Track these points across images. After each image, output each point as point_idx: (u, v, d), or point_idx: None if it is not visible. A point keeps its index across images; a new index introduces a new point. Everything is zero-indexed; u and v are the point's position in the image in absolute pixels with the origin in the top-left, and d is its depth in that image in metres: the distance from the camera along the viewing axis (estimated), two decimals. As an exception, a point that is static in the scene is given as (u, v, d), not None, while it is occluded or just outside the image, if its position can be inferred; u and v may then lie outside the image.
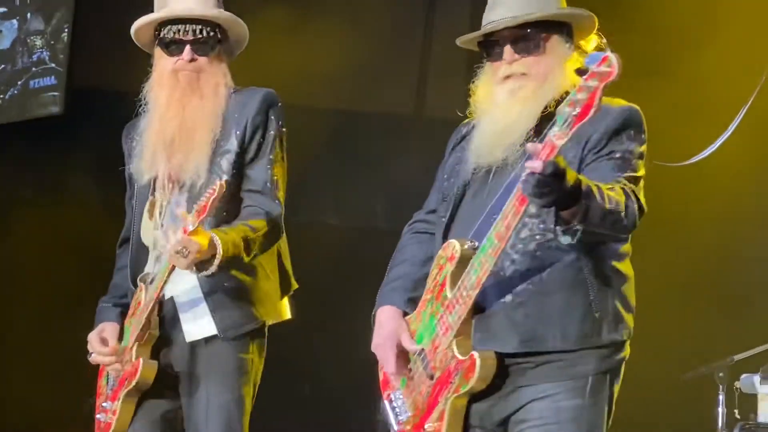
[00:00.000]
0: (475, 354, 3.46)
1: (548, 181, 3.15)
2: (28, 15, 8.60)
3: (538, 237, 3.49)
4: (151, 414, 4.32)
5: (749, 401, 5.74)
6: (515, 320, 3.47)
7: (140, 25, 4.36)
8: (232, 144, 4.26)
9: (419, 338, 3.62)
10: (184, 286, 4.26)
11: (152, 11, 4.37)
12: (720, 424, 5.77)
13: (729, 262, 6.51)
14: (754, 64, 6.63)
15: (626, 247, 3.60)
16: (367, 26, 6.87)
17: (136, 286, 4.34)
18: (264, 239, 4.20)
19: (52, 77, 8.37)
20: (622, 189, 3.38)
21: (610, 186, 3.35)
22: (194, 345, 4.26)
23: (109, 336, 4.31)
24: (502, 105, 3.61)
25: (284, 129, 4.36)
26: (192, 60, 4.27)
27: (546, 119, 3.50)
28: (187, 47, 4.27)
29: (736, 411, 5.76)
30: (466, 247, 3.53)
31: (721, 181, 6.56)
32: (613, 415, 3.57)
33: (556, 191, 3.17)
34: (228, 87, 4.33)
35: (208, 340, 4.25)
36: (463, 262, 3.51)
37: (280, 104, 4.35)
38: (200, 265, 4.08)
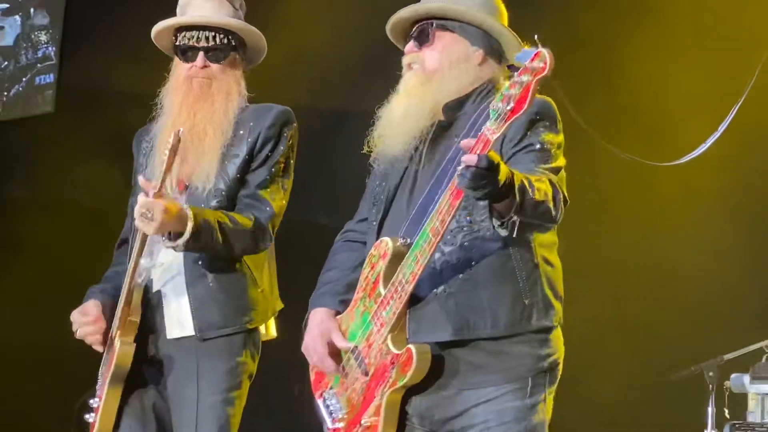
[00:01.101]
0: (412, 347, 3.51)
1: (484, 174, 3.22)
2: (32, 10, 8.58)
3: (465, 228, 3.55)
4: (141, 405, 4.33)
5: (739, 401, 5.75)
6: (448, 310, 3.54)
7: (158, 31, 4.42)
8: (242, 150, 4.31)
9: (352, 336, 3.67)
10: (172, 280, 4.28)
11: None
12: (710, 423, 5.78)
13: (718, 261, 6.52)
14: (744, 65, 6.64)
15: (552, 237, 3.68)
16: (353, 21, 6.86)
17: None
18: (243, 235, 4.22)
19: (51, 75, 8.37)
20: (548, 179, 3.45)
21: (537, 177, 3.43)
22: (183, 343, 4.27)
23: (89, 309, 4.34)
24: (398, 95, 3.74)
25: (294, 149, 4.40)
26: (204, 66, 4.32)
27: (452, 111, 3.63)
28: (201, 54, 4.32)
29: (726, 410, 5.77)
30: (398, 244, 3.59)
31: (709, 178, 6.58)
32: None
33: (492, 184, 3.24)
34: (241, 95, 4.38)
35: (200, 339, 4.26)
36: (396, 259, 3.57)
37: (295, 124, 4.40)
38: (172, 235, 4.12)
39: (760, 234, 6.52)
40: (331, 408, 3.73)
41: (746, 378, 5.67)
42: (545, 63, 3.21)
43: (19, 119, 8.47)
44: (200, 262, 4.27)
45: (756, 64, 6.53)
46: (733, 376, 5.72)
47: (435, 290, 3.56)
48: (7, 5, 8.69)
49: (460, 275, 3.55)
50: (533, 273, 3.59)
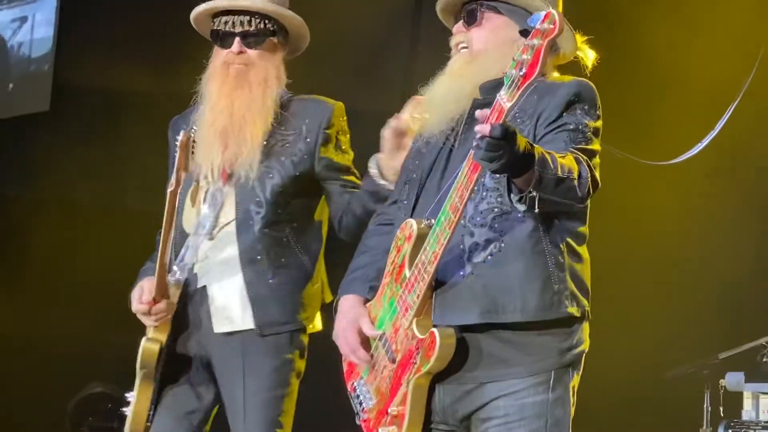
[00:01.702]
0: (435, 331, 3.40)
1: (498, 144, 3.10)
2: (27, 8, 8.58)
3: (496, 210, 3.45)
4: (177, 410, 4.26)
5: (734, 399, 5.75)
6: (475, 292, 3.42)
7: (195, 16, 4.33)
8: (299, 148, 4.25)
9: (380, 323, 3.57)
10: (220, 275, 4.22)
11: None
12: (705, 421, 5.78)
13: (714, 260, 6.52)
14: (739, 65, 6.64)
15: (584, 229, 3.57)
16: (352, 26, 6.86)
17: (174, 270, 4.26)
18: (355, 221, 4.19)
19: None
20: (575, 157, 3.34)
21: (562, 155, 3.31)
22: (229, 339, 4.20)
23: (146, 289, 4.23)
24: (443, 74, 3.66)
25: (348, 135, 4.35)
26: (241, 52, 4.24)
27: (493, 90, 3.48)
28: (237, 39, 4.23)
29: (721, 408, 5.77)
30: (422, 225, 3.50)
31: (706, 178, 6.58)
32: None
33: (507, 154, 3.12)
34: (280, 82, 4.28)
35: (246, 335, 4.20)
36: (420, 240, 3.46)
37: (344, 118, 4.33)
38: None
39: (756, 233, 6.52)
40: (362, 398, 3.64)
41: (741, 376, 5.66)
42: (555, 24, 3.13)
43: (14, 117, 8.46)
44: (259, 258, 4.20)
45: (753, 61, 6.54)
46: (728, 374, 5.71)
47: (462, 272, 3.45)
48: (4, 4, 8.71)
49: (490, 257, 3.43)
50: (561, 259, 3.47)
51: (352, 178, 4.30)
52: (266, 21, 4.27)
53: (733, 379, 5.68)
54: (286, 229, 4.24)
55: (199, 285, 4.25)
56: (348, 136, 4.35)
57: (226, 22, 4.25)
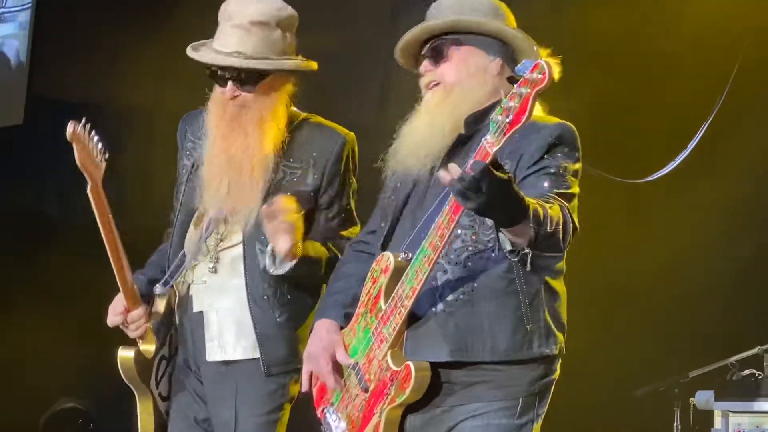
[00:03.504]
0: (410, 364, 3.44)
1: (473, 184, 3.09)
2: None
3: (470, 248, 3.47)
4: (190, 416, 4.23)
5: (705, 417, 5.77)
6: (446, 330, 3.45)
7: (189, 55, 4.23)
8: (307, 182, 4.17)
9: (353, 352, 3.61)
10: (220, 305, 4.19)
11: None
12: (675, 440, 5.81)
13: (683, 278, 6.54)
14: (713, 83, 6.67)
15: (561, 265, 3.58)
16: (331, 38, 6.87)
17: (165, 283, 4.22)
18: (326, 267, 4.13)
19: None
20: (560, 208, 3.35)
21: (549, 204, 3.32)
22: (223, 364, 4.18)
23: (117, 302, 4.16)
24: (420, 114, 3.66)
25: (356, 171, 4.27)
26: (234, 96, 4.14)
27: (473, 124, 3.55)
28: (229, 84, 4.13)
29: (697, 426, 5.80)
30: (399, 258, 3.52)
31: (675, 198, 6.60)
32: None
33: (485, 193, 3.10)
34: (279, 117, 4.17)
35: (241, 362, 4.16)
36: (397, 273, 3.50)
37: (355, 148, 4.25)
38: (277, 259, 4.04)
39: (726, 254, 6.54)
40: (333, 425, 3.68)
41: (711, 395, 5.68)
42: (544, 74, 3.11)
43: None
44: (266, 297, 4.15)
45: (728, 76, 6.57)
46: (698, 393, 5.74)
47: (435, 309, 3.48)
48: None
49: (462, 295, 3.46)
50: (536, 298, 3.48)
51: (345, 233, 4.23)
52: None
53: (702, 398, 5.70)
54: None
55: (195, 309, 4.21)
56: (355, 167, 4.27)
57: (215, 66, 4.14)
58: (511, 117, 3.14)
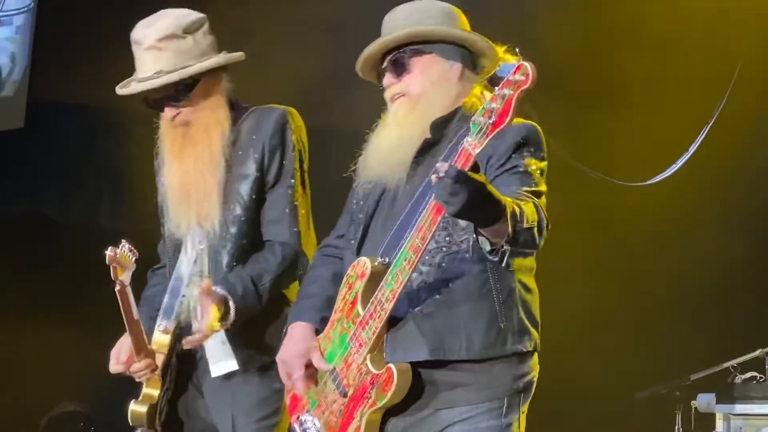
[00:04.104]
0: (392, 366, 3.47)
1: (454, 186, 3.14)
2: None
3: (444, 249, 3.51)
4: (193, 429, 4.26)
5: (706, 420, 5.77)
6: (424, 330, 3.49)
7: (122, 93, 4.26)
8: (250, 168, 4.19)
9: (329, 357, 3.62)
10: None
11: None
12: (676, 443, 5.80)
13: (685, 282, 6.54)
14: (714, 87, 6.68)
15: (531, 262, 3.63)
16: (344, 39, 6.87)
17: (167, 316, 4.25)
18: (278, 279, 4.13)
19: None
20: (534, 205, 3.41)
21: (524, 202, 3.38)
22: (222, 378, 4.17)
23: (122, 349, 4.19)
24: (388, 125, 3.70)
25: (304, 149, 4.26)
26: (175, 116, 4.17)
27: (439, 129, 3.61)
28: (165, 108, 4.18)
29: (698, 430, 5.80)
30: (376, 263, 3.55)
31: (679, 200, 6.60)
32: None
33: (464, 197, 3.14)
34: (222, 120, 4.20)
35: (234, 372, 4.17)
36: (374, 278, 3.52)
37: (299, 123, 4.25)
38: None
39: (728, 257, 6.54)
40: (309, 431, 3.69)
41: (712, 398, 5.68)
42: (527, 76, 3.15)
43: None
44: None
45: (728, 81, 6.58)
46: (699, 395, 5.73)
47: (411, 310, 3.52)
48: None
49: (437, 296, 3.51)
50: (510, 297, 3.54)
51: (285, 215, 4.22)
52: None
53: (704, 401, 5.70)
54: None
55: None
56: (302, 144, 4.26)
57: (148, 94, 4.18)
58: (494, 118, 3.18)
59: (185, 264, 4.26)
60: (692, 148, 6.75)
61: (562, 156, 6.45)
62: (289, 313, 3.83)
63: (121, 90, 4.24)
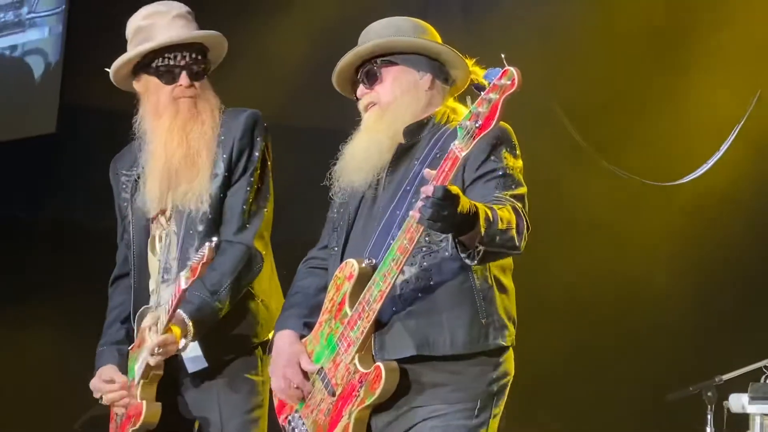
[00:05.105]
0: (380, 365, 3.58)
1: (442, 204, 3.28)
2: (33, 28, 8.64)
3: (424, 248, 3.64)
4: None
5: (738, 421, 5.74)
6: (409, 328, 3.61)
7: (128, 59, 4.30)
8: (220, 168, 4.25)
9: (317, 358, 3.73)
10: None
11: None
12: (709, 443, 5.77)
13: (718, 281, 6.52)
14: (745, 85, 6.65)
15: (508, 261, 3.75)
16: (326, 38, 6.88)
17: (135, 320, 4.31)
18: (236, 281, 4.18)
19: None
20: (513, 208, 3.52)
21: (501, 206, 3.50)
22: (201, 375, 4.24)
23: (112, 376, 4.28)
24: (360, 132, 3.83)
25: (269, 151, 4.33)
26: (190, 86, 4.25)
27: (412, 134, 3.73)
28: (183, 73, 4.25)
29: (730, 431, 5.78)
30: (363, 265, 3.66)
31: (706, 198, 6.59)
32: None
33: (451, 216, 3.30)
34: (220, 109, 4.32)
35: (213, 368, 4.23)
36: (362, 280, 3.64)
37: (265, 125, 4.33)
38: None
39: (755, 255, 6.52)
40: (297, 430, 3.77)
41: (745, 398, 5.65)
42: (513, 80, 3.27)
43: (20, 139, 8.47)
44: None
45: (757, 87, 6.56)
46: (731, 396, 5.71)
47: (396, 309, 3.63)
48: (13, 20, 8.72)
49: (420, 294, 3.63)
50: (489, 293, 3.66)
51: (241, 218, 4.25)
52: (204, 52, 4.32)
53: (737, 401, 5.67)
54: None
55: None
56: (262, 143, 4.31)
57: (172, 58, 4.25)
58: (480, 122, 3.30)
59: (154, 265, 4.29)
60: (723, 148, 6.73)
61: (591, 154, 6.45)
62: (275, 323, 3.92)
63: (147, 45, 4.25)
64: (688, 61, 6.60)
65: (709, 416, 5.77)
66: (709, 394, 5.78)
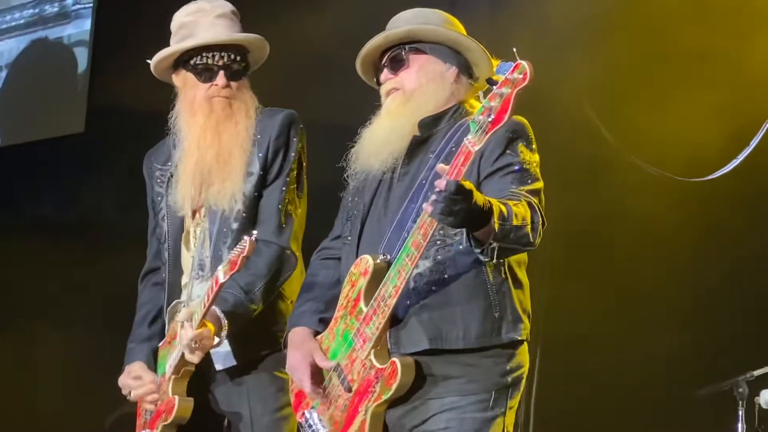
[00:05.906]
0: (396, 360, 3.60)
1: (455, 199, 3.30)
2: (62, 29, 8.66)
3: (438, 243, 3.65)
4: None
5: (769, 416, 5.73)
6: (423, 322, 3.63)
7: (168, 54, 4.35)
8: (255, 167, 4.27)
9: (333, 354, 3.74)
10: None
11: (169, 31, 4.40)
12: (740, 439, 5.75)
13: (749, 277, 6.48)
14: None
15: (523, 256, 3.76)
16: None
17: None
18: (269, 283, 4.20)
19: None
20: (528, 204, 3.54)
21: (515, 202, 3.51)
22: (231, 372, 4.26)
23: (141, 374, 4.31)
24: (380, 117, 3.84)
25: (304, 151, 4.35)
26: (226, 86, 4.28)
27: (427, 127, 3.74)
28: (221, 73, 4.28)
29: (762, 426, 5.75)
30: (378, 260, 3.68)
31: (736, 196, 6.55)
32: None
33: (464, 210, 3.31)
34: (257, 110, 4.35)
35: (243, 365, 4.25)
36: (377, 275, 3.65)
37: (301, 126, 4.35)
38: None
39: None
40: (314, 427, 3.80)
41: (776, 393, 5.63)
42: (525, 74, 3.28)
43: (49, 139, 8.51)
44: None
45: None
46: (763, 392, 5.69)
47: (409, 303, 3.64)
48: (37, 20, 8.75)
49: (434, 288, 3.64)
50: (503, 287, 3.68)
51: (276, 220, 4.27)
52: (243, 54, 4.35)
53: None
54: None
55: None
56: (299, 144, 4.33)
57: (210, 57, 4.28)
58: (492, 116, 3.31)
59: (187, 260, 4.31)
60: (753, 143, 6.69)
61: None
62: (288, 319, 3.95)
63: (190, 42, 4.29)
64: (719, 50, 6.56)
65: (740, 412, 5.75)
66: (741, 389, 5.76)
